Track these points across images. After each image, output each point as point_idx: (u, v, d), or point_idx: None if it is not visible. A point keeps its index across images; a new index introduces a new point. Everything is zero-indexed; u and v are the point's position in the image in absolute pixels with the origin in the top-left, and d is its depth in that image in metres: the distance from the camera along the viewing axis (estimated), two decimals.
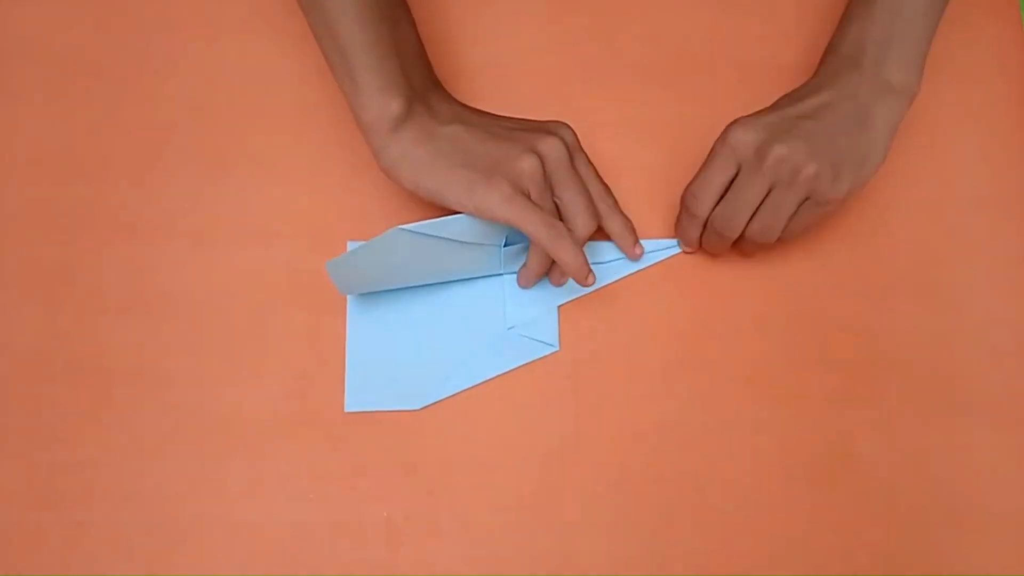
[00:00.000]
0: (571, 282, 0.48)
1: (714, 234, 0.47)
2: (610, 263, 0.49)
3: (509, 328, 0.48)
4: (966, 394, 0.49)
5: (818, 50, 0.49)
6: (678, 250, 0.49)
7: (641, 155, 0.51)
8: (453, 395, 0.47)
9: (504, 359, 0.48)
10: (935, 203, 0.51)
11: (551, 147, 0.43)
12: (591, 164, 0.46)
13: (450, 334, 0.48)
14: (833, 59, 0.47)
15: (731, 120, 0.45)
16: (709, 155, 0.45)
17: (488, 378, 0.47)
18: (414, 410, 0.47)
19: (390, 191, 0.50)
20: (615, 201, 0.47)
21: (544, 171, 0.43)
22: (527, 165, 0.42)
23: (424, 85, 0.45)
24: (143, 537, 0.45)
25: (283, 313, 0.48)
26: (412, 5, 0.47)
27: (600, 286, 0.49)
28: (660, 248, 0.49)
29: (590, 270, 0.43)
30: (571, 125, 0.46)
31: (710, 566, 0.46)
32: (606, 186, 0.47)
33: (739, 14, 0.54)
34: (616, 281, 0.49)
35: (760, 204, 0.44)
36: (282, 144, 0.51)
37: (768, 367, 0.48)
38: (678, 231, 0.49)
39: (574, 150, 0.45)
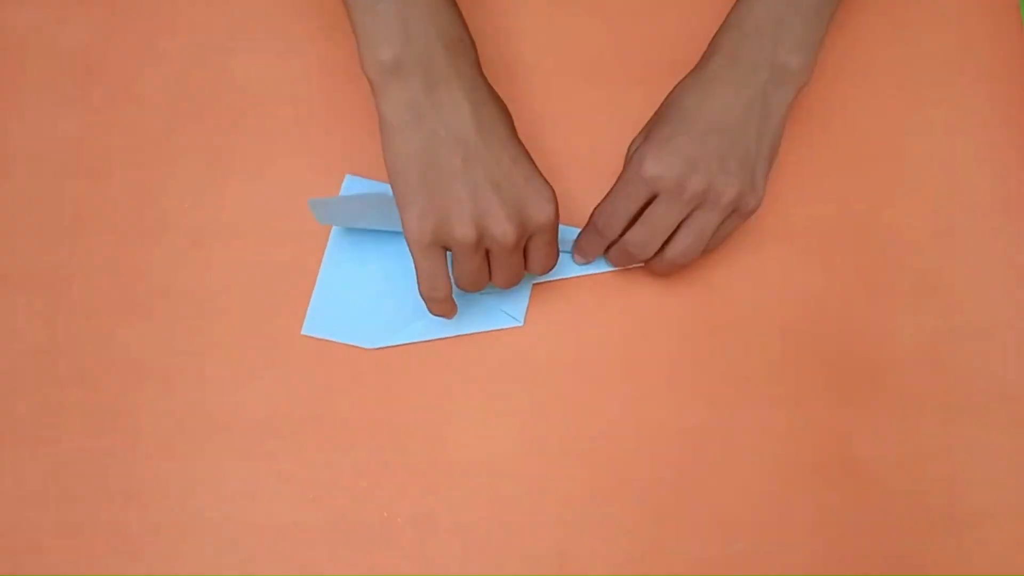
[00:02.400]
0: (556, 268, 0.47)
1: (624, 254, 0.46)
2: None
3: (481, 293, 0.48)
4: (966, 394, 0.49)
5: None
6: (606, 268, 0.49)
7: None
8: (452, 388, 0.47)
9: (467, 322, 0.48)
10: (935, 203, 0.51)
11: (500, 234, 0.40)
12: (550, 245, 0.44)
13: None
14: (731, 37, 0.44)
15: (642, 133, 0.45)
16: (621, 180, 0.44)
17: (447, 335, 0.48)
18: (370, 347, 0.47)
19: None
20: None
21: (477, 244, 0.41)
22: (459, 235, 0.40)
23: (428, 45, 0.40)
24: (143, 537, 0.45)
25: (282, 313, 0.48)
26: None
27: (579, 275, 0.49)
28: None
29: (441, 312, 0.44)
30: (555, 198, 0.42)
31: (710, 566, 0.46)
32: (549, 268, 0.45)
33: None
34: (614, 277, 0.49)
35: (678, 226, 0.44)
36: (282, 144, 0.51)
37: (768, 367, 0.48)
38: (580, 244, 0.47)
39: (538, 230, 0.42)
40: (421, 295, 0.43)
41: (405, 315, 0.48)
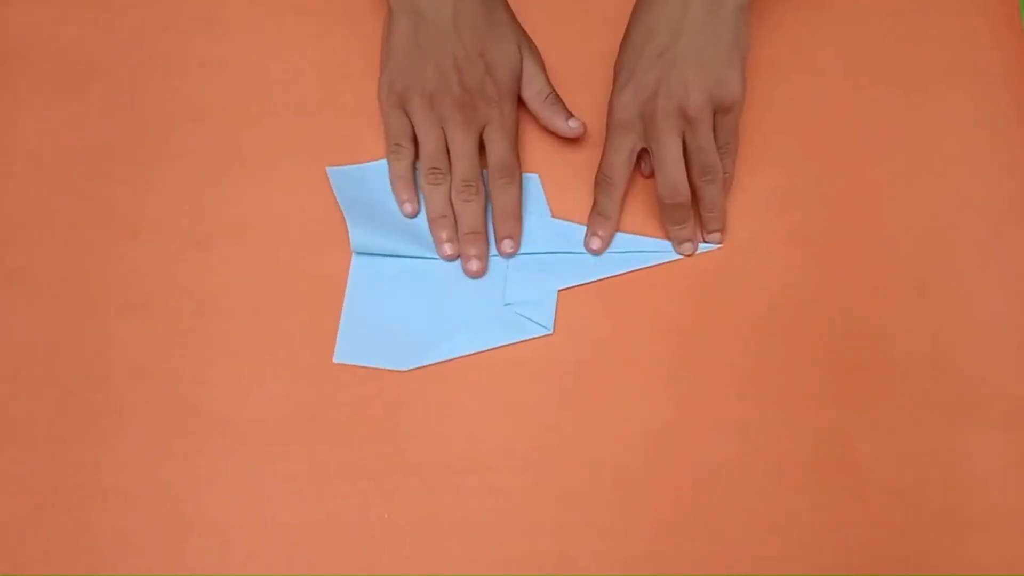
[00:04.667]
0: (573, 268, 0.49)
1: (671, 208, 0.48)
2: (611, 256, 0.50)
3: (505, 304, 0.48)
4: (966, 394, 0.49)
5: (817, 48, 0.49)
6: (672, 255, 0.50)
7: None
8: (451, 387, 0.47)
9: (496, 334, 0.48)
10: (935, 203, 0.51)
11: (455, 143, 0.47)
12: (504, 138, 0.48)
13: (447, 303, 0.49)
14: None
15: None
16: (606, 139, 0.48)
17: (478, 350, 0.48)
18: (403, 370, 0.47)
19: None
20: (509, 184, 0.48)
21: (437, 149, 0.48)
22: (430, 143, 0.48)
23: None
24: (143, 537, 0.45)
25: (283, 313, 0.48)
26: None
27: (601, 278, 0.49)
28: (651, 250, 0.50)
29: (409, 200, 0.49)
30: (515, 104, 0.49)
31: (710, 566, 0.45)
32: (505, 167, 0.48)
33: None
34: (616, 280, 0.49)
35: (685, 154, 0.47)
36: (283, 144, 0.51)
37: (768, 367, 0.48)
38: (592, 220, 0.49)
39: (490, 120, 0.48)
40: (389, 160, 0.49)
41: (435, 334, 0.48)
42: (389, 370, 0.47)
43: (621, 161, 0.48)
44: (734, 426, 0.47)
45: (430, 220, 0.49)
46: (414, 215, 0.49)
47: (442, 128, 0.48)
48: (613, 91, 0.47)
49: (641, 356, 0.48)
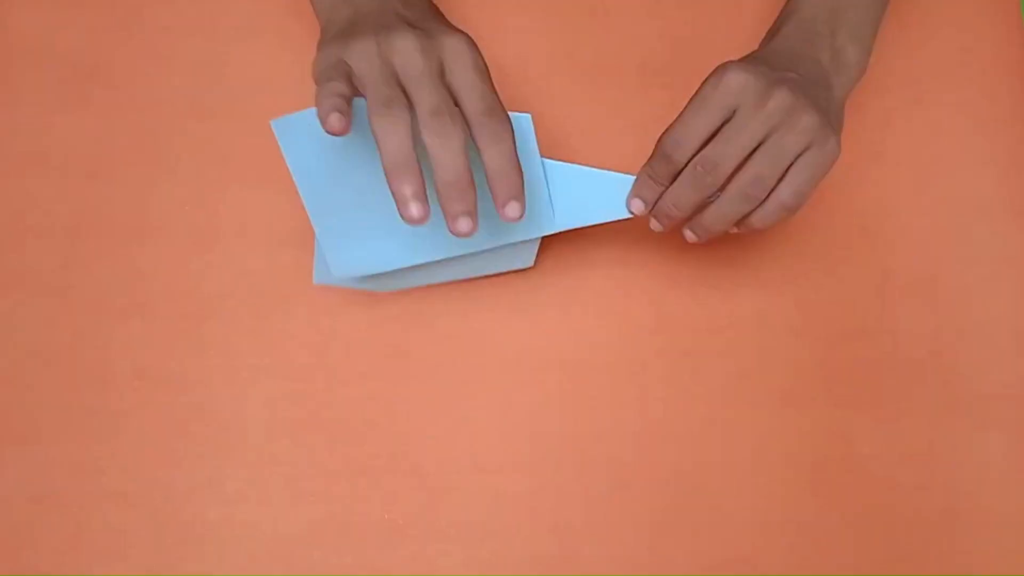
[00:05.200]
0: (558, 217, 0.44)
1: (689, 186, 0.41)
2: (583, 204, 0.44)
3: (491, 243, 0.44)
4: (966, 394, 0.49)
5: None
6: (626, 214, 0.43)
7: (640, 156, 0.51)
8: (451, 386, 0.47)
9: (479, 263, 0.46)
10: (935, 203, 0.51)
11: (404, 54, 0.36)
12: (476, 71, 0.38)
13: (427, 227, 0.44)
14: (789, 25, 0.45)
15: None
16: (696, 98, 0.40)
17: (456, 278, 0.48)
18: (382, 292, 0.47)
19: None
20: (501, 128, 0.38)
21: (381, 74, 0.37)
22: (373, 70, 0.36)
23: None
24: (143, 537, 0.45)
25: (283, 313, 0.48)
26: None
27: (589, 224, 0.44)
28: (613, 185, 0.43)
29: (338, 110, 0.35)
30: (477, 46, 0.39)
31: (710, 566, 0.45)
32: (493, 108, 0.38)
33: (738, 13, 0.54)
34: (616, 279, 0.49)
35: (753, 151, 0.39)
36: None
37: (769, 367, 0.48)
38: (639, 186, 0.42)
39: (452, 52, 0.37)
40: (321, 115, 0.36)
41: (406, 235, 0.43)
42: (388, 369, 0.47)
43: (706, 131, 0.40)
44: (734, 426, 0.47)
45: (387, 171, 0.36)
46: (344, 133, 0.36)
47: (391, 64, 0.37)
48: (729, 63, 0.40)
49: (641, 356, 0.48)
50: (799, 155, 0.40)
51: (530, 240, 0.45)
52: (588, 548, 0.46)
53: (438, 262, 0.46)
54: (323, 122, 0.35)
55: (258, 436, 0.46)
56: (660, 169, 0.41)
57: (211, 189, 0.50)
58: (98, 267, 0.48)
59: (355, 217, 0.43)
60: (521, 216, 0.39)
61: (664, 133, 0.41)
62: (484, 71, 0.38)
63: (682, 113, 0.41)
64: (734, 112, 0.39)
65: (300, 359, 0.48)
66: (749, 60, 0.41)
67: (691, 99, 0.41)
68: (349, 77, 0.37)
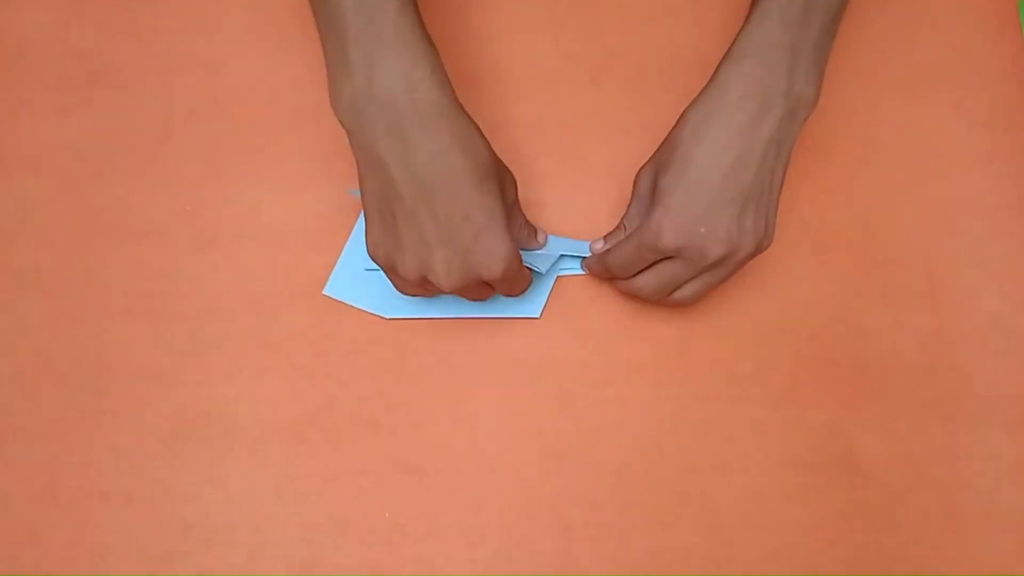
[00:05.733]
0: (573, 261, 0.49)
1: (600, 270, 0.47)
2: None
3: None
4: (966, 394, 0.49)
5: None
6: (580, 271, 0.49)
7: (638, 158, 0.51)
8: (451, 386, 0.47)
9: (484, 306, 0.48)
10: (935, 203, 0.51)
11: (442, 283, 0.41)
12: (510, 283, 0.43)
13: None
14: (744, 68, 0.42)
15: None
16: (637, 243, 0.43)
17: (462, 316, 0.48)
18: (386, 320, 0.47)
19: None
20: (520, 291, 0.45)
21: (423, 285, 0.43)
22: (403, 274, 0.42)
23: (390, 87, 0.38)
24: (143, 537, 0.45)
25: (284, 314, 0.48)
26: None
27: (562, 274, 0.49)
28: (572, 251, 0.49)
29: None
30: (511, 250, 0.41)
31: (710, 566, 0.46)
32: (517, 290, 0.44)
33: (738, 16, 0.54)
34: (614, 282, 0.49)
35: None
36: (283, 145, 0.51)
37: (768, 367, 0.48)
38: (590, 269, 0.49)
39: (489, 281, 0.42)
40: None
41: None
42: (389, 369, 0.47)
43: (642, 267, 0.44)
44: (734, 427, 0.47)
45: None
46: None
47: (435, 285, 0.42)
48: (665, 210, 0.42)
49: (641, 356, 0.48)
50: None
51: (539, 291, 0.49)
52: (588, 548, 0.46)
53: (444, 301, 0.49)
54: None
55: (258, 436, 0.46)
56: (600, 272, 0.48)
57: (211, 189, 0.50)
58: (98, 267, 0.48)
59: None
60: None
61: (609, 253, 0.46)
62: (514, 277, 0.42)
63: (625, 244, 0.44)
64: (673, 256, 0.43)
65: (300, 359, 0.48)
66: (684, 204, 0.41)
67: (636, 241, 0.43)
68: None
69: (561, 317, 0.49)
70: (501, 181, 0.42)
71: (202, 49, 0.52)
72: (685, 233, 0.41)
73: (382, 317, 0.48)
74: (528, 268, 0.45)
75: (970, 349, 0.49)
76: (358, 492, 0.46)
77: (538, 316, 0.49)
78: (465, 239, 0.40)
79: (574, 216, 0.50)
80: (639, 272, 0.45)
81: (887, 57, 0.54)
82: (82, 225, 0.49)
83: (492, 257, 0.40)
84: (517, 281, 0.43)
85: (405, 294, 0.44)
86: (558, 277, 0.49)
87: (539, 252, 0.48)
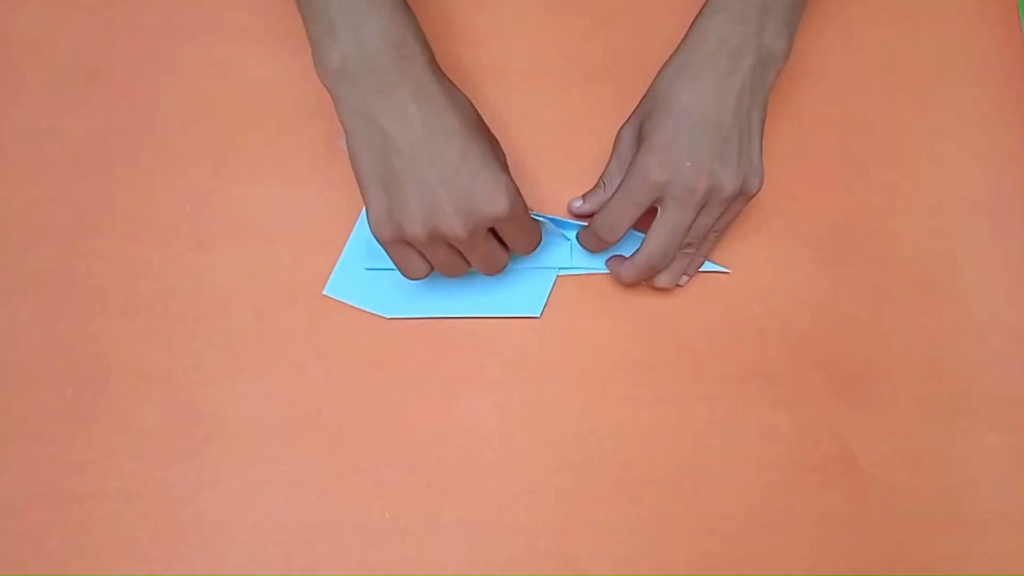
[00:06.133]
0: (574, 259, 0.49)
1: (593, 239, 0.47)
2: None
3: (505, 282, 0.49)
4: (966, 394, 0.49)
5: (817, 50, 0.49)
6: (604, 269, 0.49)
7: None
8: (451, 386, 0.47)
9: (485, 304, 0.49)
10: (935, 204, 0.51)
11: (448, 230, 0.41)
12: (518, 230, 0.43)
13: None
14: (717, 21, 0.44)
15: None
16: (624, 187, 0.44)
17: (463, 315, 0.48)
18: (386, 318, 0.47)
19: None
20: (533, 243, 0.45)
21: (433, 241, 0.42)
22: (411, 235, 0.41)
23: (375, 48, 0.40)
24: (143, 537, 0.45)
25: (284, 313, 0.48)
26: (412, 6, 0.47)
27: (600, 272, 0.49)
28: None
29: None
30: (515, 194, 0.42)
31: (710, 566, 0.46)
32: (529, 241, 0.45)
33: None
34: (615, 280, 0.49)
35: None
36: (283, 145, 0.51)
37: (768, 367, 0.48)
38: (582, 243, 0.48)
39: (495, 222, 0.42)
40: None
41: (424, 290, 0.49)
42: (389, 368, 0.47)
43: (632, 218, 0.45)
44: (734, 427, 0.47)
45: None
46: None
47: (439, 233, 0.42)
48: (649, 147, 0.43)
49: (641, 356, 0.48)
50: (722, 214, 0.45)
51: (539, 290, 0.49)
52: (588, 548, 0.46)
53: (445, 301, 0.49)
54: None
55: (258, 436, 0.46)
56: (592, 244, 0.48)
57: (211, 189, 0.50)
58: (98, 267, 0.48)
59: (386, 257, 0.46)
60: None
61: (597, 217, 0.46)
62: (521, 217, 0.43)
63: (613, 199, 0.45)
64: (660, 199, 0.44)
65: (300, 358, 0.48)
66: (669, 141, 0.43)
67: (622, 184, 0.45)
68: (409, 245, 0.43)
69: (561, 316, 0.49)
70: (491, 139, 0.44)
71: (202, 49, 0.52)
72: (671, 167, 0.43)
73: (383, 317, 0.48)
74: (536, 220, 0.45)
75: (970, 349, 0.49)
76: (358, 492, 0.46)
77: (538, 315, 0.49)
78: (465, 178, 0.41)
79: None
80: (643, 246, 0.45)
81: (887, 57, 0.54)
82: (82, 225, 0.49)
83: (495, 190, 0.41)
84: (525, 224, 0.44)
85: (414, 277, 0.44)
86: (558, 277, 0.49)
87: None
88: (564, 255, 0.49)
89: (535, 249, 0.46)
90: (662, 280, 0.48)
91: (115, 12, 0.52)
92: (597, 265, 0.49)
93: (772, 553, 0.46)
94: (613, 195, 0.45)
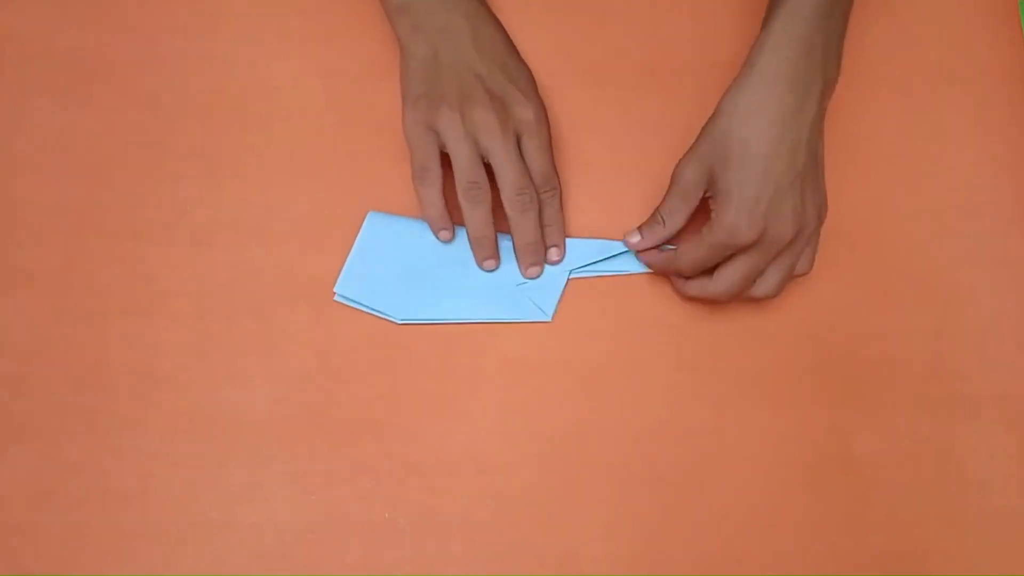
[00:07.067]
0: (583, 258, 0.49)
1: (705, 293, 0.46)
2: (602, 262, 0.49)
3: (517, 284, 0.49)
4: (966, 394, 0.49)
5: None
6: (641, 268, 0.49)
7: (640, 157, 0.51)
8: (451, 386, 0.47)
9: (496, 308, 0.49)
10: (935, 204, 0.51)
11: (481, 119, 0.45)
12: (540, 151, 0.46)
13: (456, 268, 0.49)
14: (787, 52, 0.44)
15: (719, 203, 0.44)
16: (711, 239, 0.44)
17: (474, 320, 0.48)
18: (397, 323, 0.48)
19: (392, 191, 0.50)
20: (556, 191, 0.48)
21: (464, 130, 0.45)
22: (446, 118, 0.45)
23: None
24: (143, 537, 0.45)
25: (284, 313, 0.48)
26: None
27: (611, 273, 0.49)
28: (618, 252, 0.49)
29: (445, 227, 0.48)
30: (546, 112, 0.47)
31: (710, 566, 0.46)
32: (549, 180, 0.47)
33: (739, 15, 0.54)
34: (617, 279, 0.49)
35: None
36: (283, 145, 0.51)
37: (768, 367, 0.48)
38: (651, 264, 0.48)
39: (523, 127, 0.46)
40: (416, 186, 0.47)
41: (437, 294, 0.48)
42: (389, 369, 0.47)
43: (713, 263, 0.45)
44: (734, 426, 0.47)
45: (472, 240, 0.48)
46: (451, 240, 0.49)
47: (476, 139, 0.45)
48: (733, 202, 0.43)
49: (642, 356, 0.48)
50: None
51: (550, 294, 0.49)
52: (588, 548, 0.46)
53: (456, 304, 0.49)
54: (435, 234, 0.48)
55: (258, 436, 0.46)
56: (668, 270, 0.48)
57: (211, 189, 0.50)
58: (98, 267, 0.48)
59: (395, 260, 0.49)
60: (560, 259, 0.49)
61: (681, 256, 0.46)
62: (548, 144, 0.47)
63: (699, 240, 0.45)
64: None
65: (300, 359, 0.48)
66: (753, 197, 0.43)
67: (705, 233, 0.45)
68: (441, 164, 0.46)
69: (563, 319, 0.49)
70: (527, 67, 0.49)
71: (202, 49, 0.52)
72: (759, 226, 0.43)
73: (394, 321, 0.48)
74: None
75: (970, 349, 0.49)
76: (358, 492, 0.46)
77: (550, 319, 0.48)
78: (502, 82, 0.46)
79: (574, 214, 0.50)
80: (712, 272, 0.46)
81: (888, 57, 0.54)
82: (82, 225, 0.49)
83: (527, 97, 0.46)
84: (545, 139, 0.47)
85: (428, 183, 0.46)
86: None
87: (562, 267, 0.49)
88: (578, 263, 0.49)
89: (549, 167, 0.47)
90: (759, 291, 0.47)
91: (115, 11, 0.52)
92: (607, 268, 0.49)
93: (772, 553, 0.46)
94: (697, 241, 0.45)
